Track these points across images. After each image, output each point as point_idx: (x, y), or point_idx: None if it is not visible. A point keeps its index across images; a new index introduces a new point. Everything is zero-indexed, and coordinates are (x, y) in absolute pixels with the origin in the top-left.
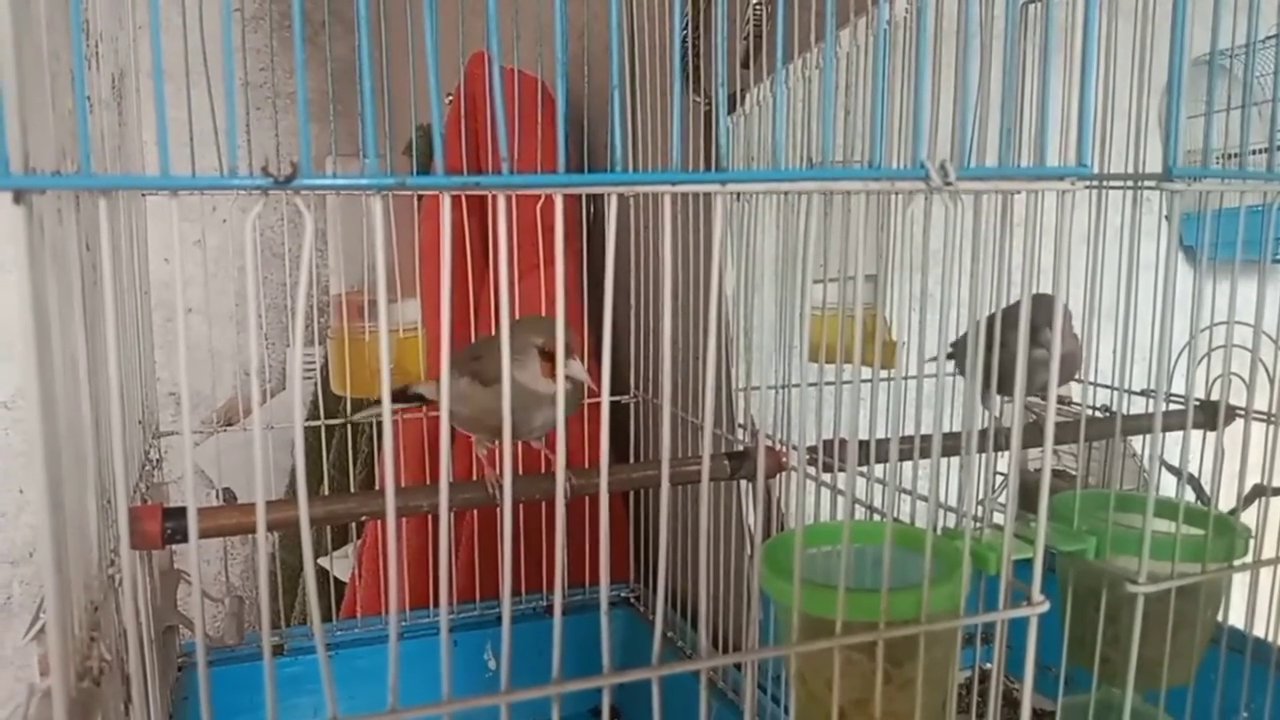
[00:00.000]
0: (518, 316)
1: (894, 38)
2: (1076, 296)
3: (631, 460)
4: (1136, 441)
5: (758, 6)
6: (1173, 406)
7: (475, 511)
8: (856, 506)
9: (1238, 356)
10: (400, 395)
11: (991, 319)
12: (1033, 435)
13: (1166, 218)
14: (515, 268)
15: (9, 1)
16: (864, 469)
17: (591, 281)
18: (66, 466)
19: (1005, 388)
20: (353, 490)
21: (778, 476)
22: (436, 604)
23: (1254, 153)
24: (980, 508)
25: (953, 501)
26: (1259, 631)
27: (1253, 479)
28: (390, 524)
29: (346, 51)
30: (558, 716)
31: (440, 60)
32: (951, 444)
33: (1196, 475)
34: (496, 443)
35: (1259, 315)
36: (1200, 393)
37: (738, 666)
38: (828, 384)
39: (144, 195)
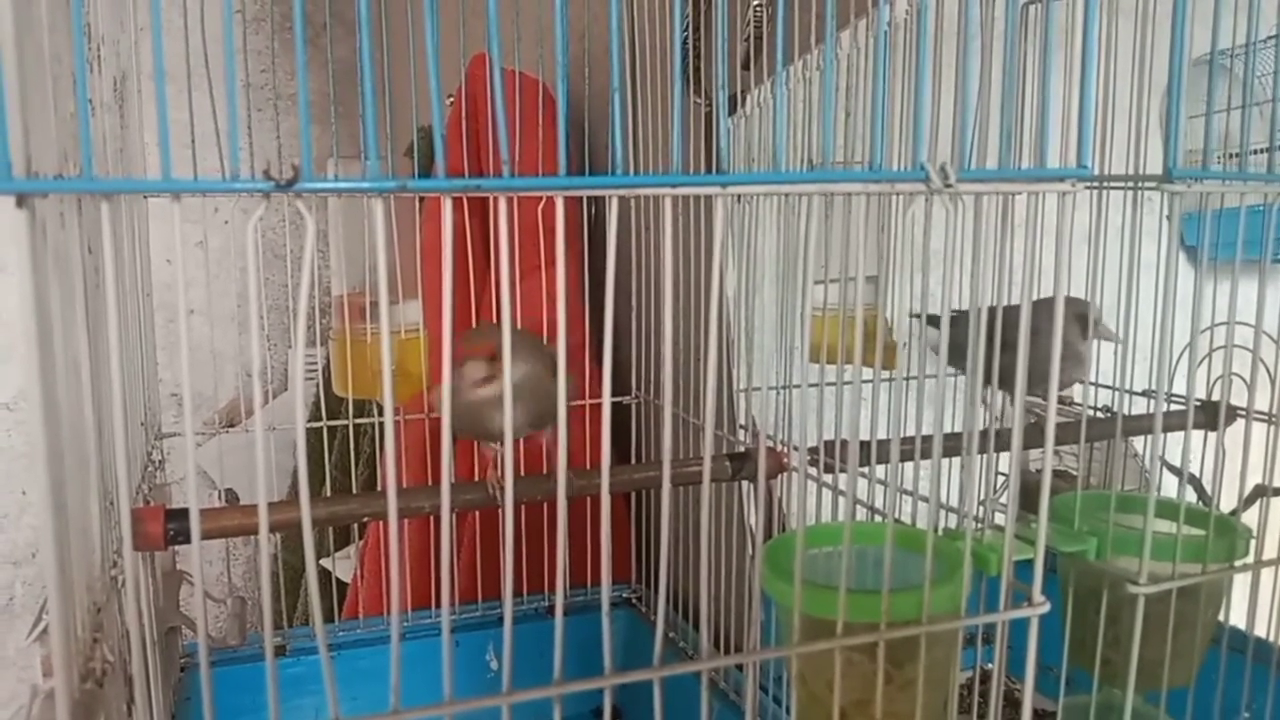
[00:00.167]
0: (519, 317)
1: (894, 39)
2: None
3: (633, 461)
4: (1138, 442)
5: (758, 8)
6: (1174, 407)
7: (477, 512)
8: (857, 507)
9: (1239, 357)
10: None
11: (992, 314)
12: (1034, 436)
13: (1167, 218)
14: (516, 269)
15: (11, 4)
16: (865, 470)
17: (593, 283)
18: (69, 468)
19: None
20: (355, 491)
21: (779, 477)
22: (438, 605)
23: (1254, 153)
24: (981, 508)
25: (954, 502)
26: (1260, 632)
27: (1254, 479)
28: (392, 525)
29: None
30: (559, 717)
31: (441, 62)
32: (952, 445)
33: (1197, 476)
34: (497, 445)
35: (1260, 315)
36: (1201, 393)
37: (739, 667)
38: (829, 385)
39: (146, 197)
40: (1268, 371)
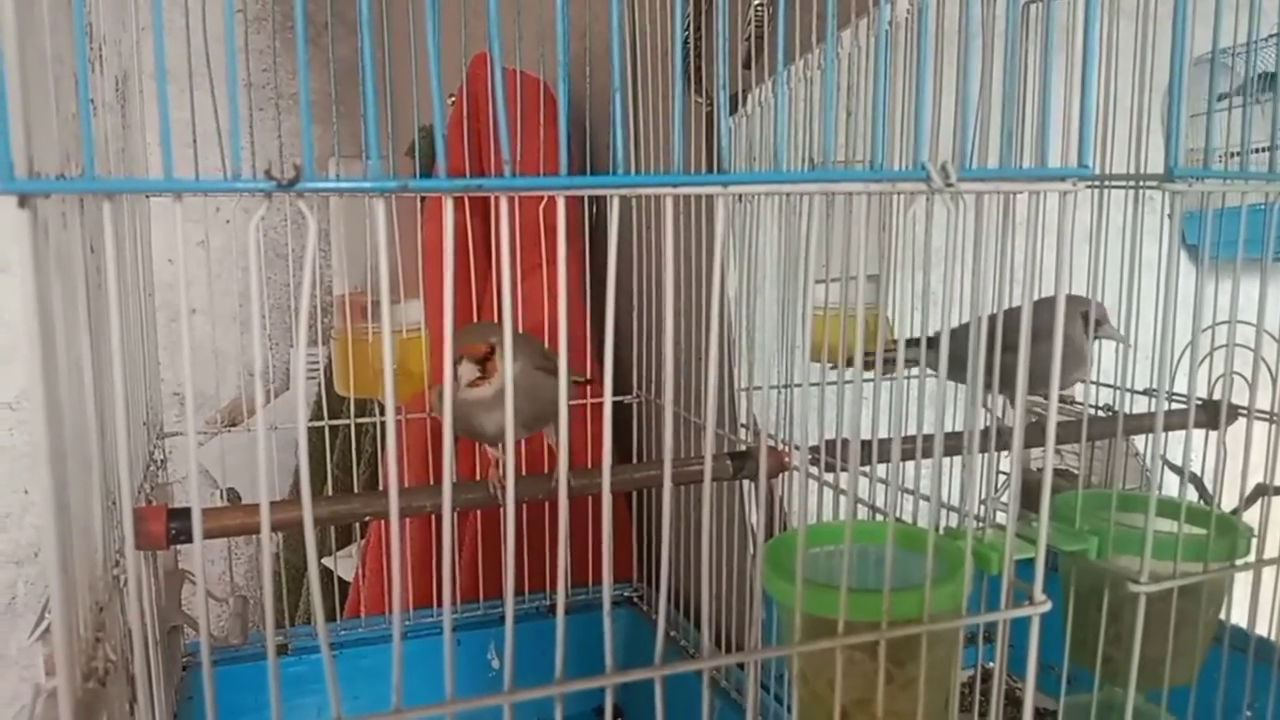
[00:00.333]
0: (520, 317)
1: (895, 38)
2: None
3: (634, 460)
4: (1139, 441)
5: (759, 7)
6: (1175, 406)
7: (478, 511)
8: (859, 506)
9: (1240, 355)
10: None
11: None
12: (1035, 435)
13: (1168, 217)
14: (518, 269)
15: (13, 5)
16: (866, 469)
17: (594, 282)
18: (71, 467)
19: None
20: (356, 490)
21: (780, 476)
22: (440, 604)
23: (1256, 151)
24: (982, 507)
25: (955, 501)
26: (1261, 631)
27: (1255, 478)
28: (394, 524)
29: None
30: (561, 716)
31: (442, 62)
32: (954, 444)
33: (1199, 475)
34: (499, 445)
35: (1261, 314)
36: (1202, 392)
37: (740, 666)
38: (830, 384)
39: (148, 196)
40: (1269, 370)
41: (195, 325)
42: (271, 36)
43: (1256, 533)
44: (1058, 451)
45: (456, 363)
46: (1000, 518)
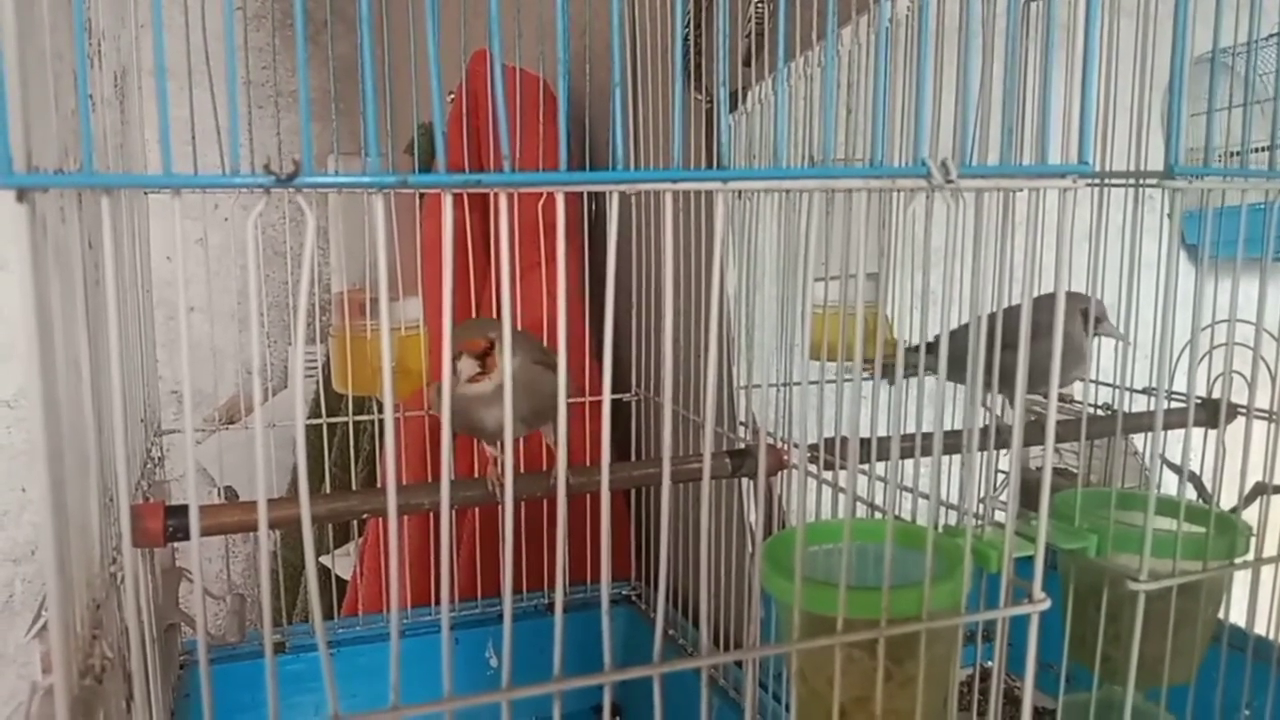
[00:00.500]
0: (519, 315)
1: (895, 35)
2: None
3: (633, 458)
4: (1138, 439)
5: (759, 4)
6: (1174, 404)
7: (476, 509)
8: (857, 504)
9: (1239, 354)
10: None
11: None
12: (1034, 433)
13: (1168, 216)
14: (517, 265)
15: (12, 1)
16: (865, 467)
17: (593, 279)
18: (69, 465)
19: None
20: (354, 488)
21: (779, 474)
22: (438, 601)
23: (1255, 150)
24: (981, 505)
25: (954, 499)
26: (1260, 629)
27: (1254, 477)
28: (392, 522)
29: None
30: (559, 714)
31: (442, 58)
32: (953, 442)
33: (1198, 473)
34: (498, 443)
35: (1260, 313)
36: (1202, 390)
37: (739, 664)
38: (829, 382)
39: (146, 193)
40: (1268, 369)
41: (193, 323)
42: (271, 34)
43: (1255, 531)
44: (1057, 450)
45: (456, 358)
46: (999, 516)
